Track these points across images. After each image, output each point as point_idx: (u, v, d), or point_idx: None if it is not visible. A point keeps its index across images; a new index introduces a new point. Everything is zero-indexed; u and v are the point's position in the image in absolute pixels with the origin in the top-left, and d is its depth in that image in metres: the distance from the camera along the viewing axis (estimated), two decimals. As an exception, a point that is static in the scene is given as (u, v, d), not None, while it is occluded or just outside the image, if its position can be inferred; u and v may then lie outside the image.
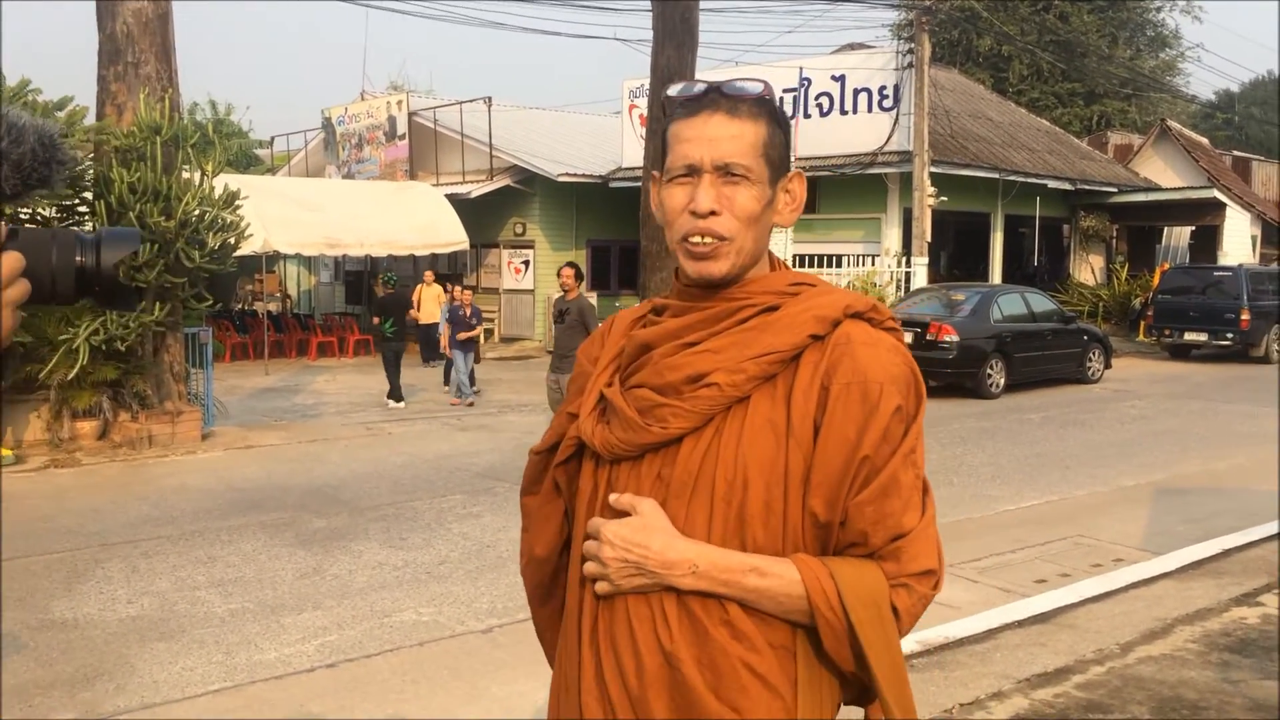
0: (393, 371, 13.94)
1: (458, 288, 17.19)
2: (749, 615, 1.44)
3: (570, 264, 9.94)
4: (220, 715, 4.47)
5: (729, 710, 1.43)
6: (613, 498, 1.49)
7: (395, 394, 13.93)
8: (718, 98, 1.50)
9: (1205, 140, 30.84)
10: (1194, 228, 25.32)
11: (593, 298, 14.47)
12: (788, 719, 1.44)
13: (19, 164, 1.05)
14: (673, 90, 1.55)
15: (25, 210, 10.61)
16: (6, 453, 9.62)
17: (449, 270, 22.60)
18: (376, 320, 14.56)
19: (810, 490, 1.43)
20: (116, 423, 10.67)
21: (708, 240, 1.47)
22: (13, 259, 1.02)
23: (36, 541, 7.16)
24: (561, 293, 9.77)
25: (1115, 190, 24.78)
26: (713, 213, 1.47)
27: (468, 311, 14.30)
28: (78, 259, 1.08)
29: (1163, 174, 26.86)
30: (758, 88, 1.51)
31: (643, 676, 1.45)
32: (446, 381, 15.30)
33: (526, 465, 1.71)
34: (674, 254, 1.53)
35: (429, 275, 18.59)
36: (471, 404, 14.04)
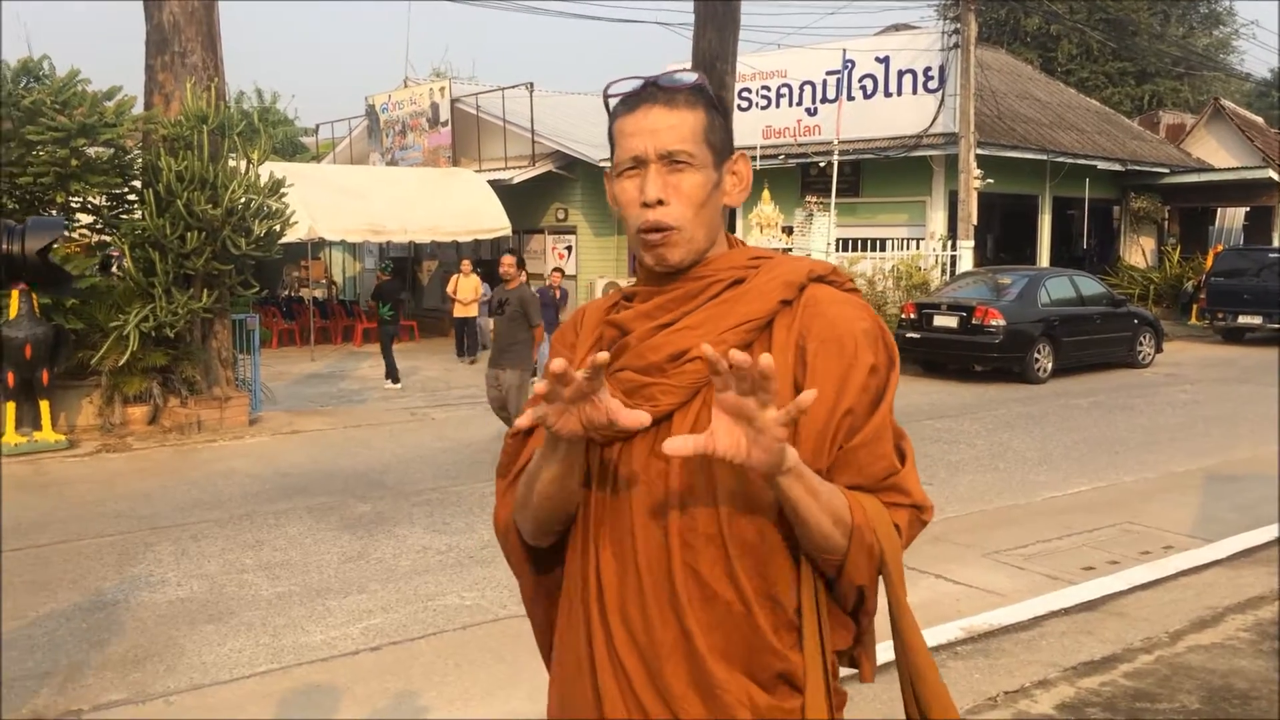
0: (388, 354, 14.62)
1: (555, 272, 16.71)
2: (747, 570, 1.48)
3: (511, 251, 9.57)
4: (267, 696, 4.54)
5: (737, 673, 1.47)
6: (667, 444, 1.40)
7: (392, 376, 14.50)
8: (655, 91, 1.56)
9: (1260, 119, 30.15)
10: (1248, 209, 24.78)
11: (634, 283, 14.44)
12: (784, 670, 1.49)
13: None
14: (611, 88, 1.61)
15: (77, 199, 10.80)
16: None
17: (492, 256, 22.68)
18: (373, 305, 15.41)
19: (798, 442, 1.46)
20: (166, 408, 10.84)
21: (659, 230, 1.53)
22: None
23: (88, 525, 7.30)
24: (502, 282, 9.32)
25: (1167, 171, 24.31)
26: (660, 201, 1.53)
27: (558, 294, 14.33)
28: (3, 247, 1.16)
29: (1216, 154, 26.31)
30: (691, 78, 1.58)
31: (658, 650, 1.49)
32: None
33: (503, 448, 1.72)
34: (633, 244, 1.59)
35: (466, 264, 17.72)
36: None
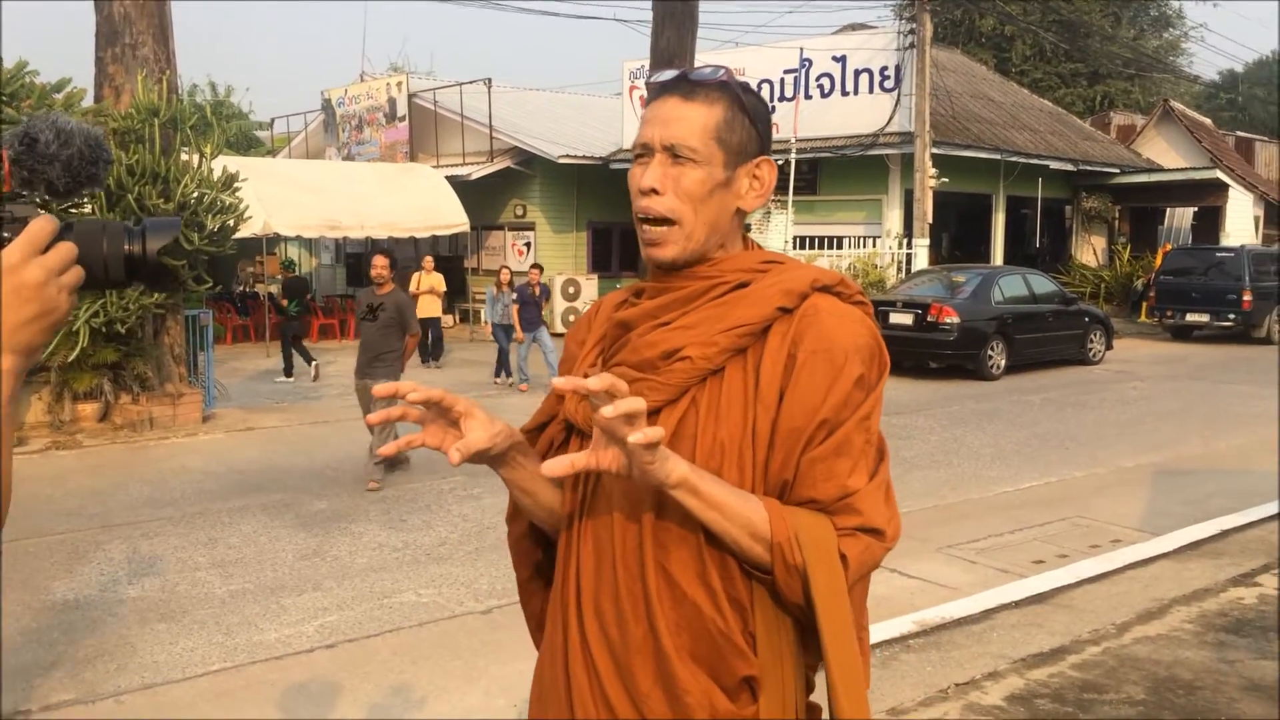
0: (287, 349, 14.92)
1: (534, 269, 15.33)
2: (718, 573, 1.47)
3: (384, 251, 8.78)
4: (220, 695, 4.50)
5: (701, 674, 1.47)
6: (545, 466, 1.42)
7: (287, 370, 14.79)
8: (679, 83, 1.56)
9: (1208, 121, 30.72)
10: (1197, 209, 25.23)
11: (594, 280, 14.31)
12: (749, 675, 1.48)
13: (68, 164, 1.18)
14: (650, 78, 1.63)
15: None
16: None
17: (450, 253, 22.57)
18: (284, 302, 15.51)
19: (772, 450, 1.47)
20: (117, 405, 10.68)
21: (655, 226, 1.53)
22: (67, 248, 1.12)
23: (38, 523, 7.19)
24: (373, 285, 8.56)
25: (1118, 171, 24.71)
26: (654, 190, 1.52)
27: (537, 291, 14.13)
28: (126, 247, 1.19)
29: (1165, 155, 26.76)
30: (719, 74, 1.56)
31: (628, 645, 1.49)
32: (498, 374, 14.52)
33: None
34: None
35: (429, 262, 16.75)
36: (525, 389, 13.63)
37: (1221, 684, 4.48)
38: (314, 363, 14.80)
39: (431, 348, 16.51)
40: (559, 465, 1.37)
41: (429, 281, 16.39)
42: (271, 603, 5.63)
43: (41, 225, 1.12)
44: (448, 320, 15.92)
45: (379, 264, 8.54)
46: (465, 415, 1.45)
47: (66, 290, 1.12)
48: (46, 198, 1.21)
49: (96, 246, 1.18)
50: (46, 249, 1.12)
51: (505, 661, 4.78)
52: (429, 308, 16.06)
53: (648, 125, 1.55)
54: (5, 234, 1.13)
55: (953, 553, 6.52)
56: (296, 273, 16.04)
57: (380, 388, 1.39)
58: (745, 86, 1.59)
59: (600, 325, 1.68)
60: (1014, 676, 4.59)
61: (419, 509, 7.57)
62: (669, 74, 1.58)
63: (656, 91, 1.57)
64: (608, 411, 1.28)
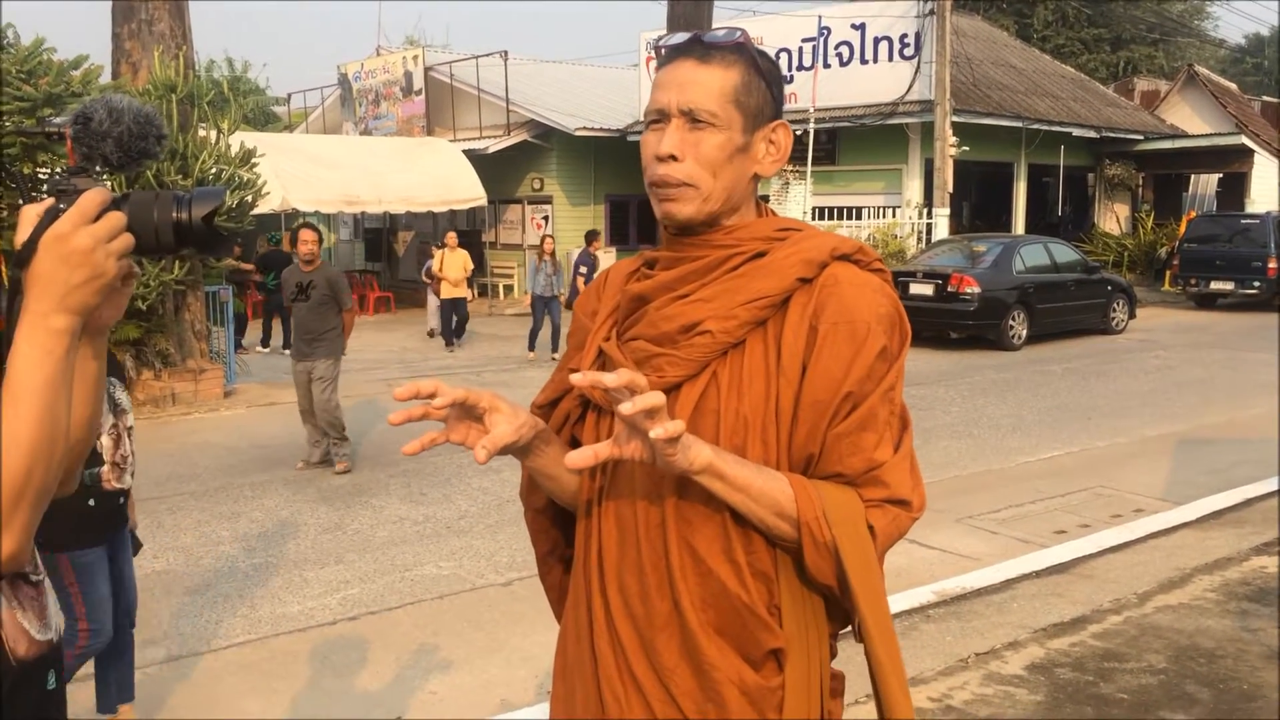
0: (268, 322, 15.50)
1: (595, 240, 14.92)
2: (743, 547, 1.47)
3: (310, 226, 8.32)
4: (245, 667, 4.54)
5: (727, 648, 1.47)
6: (569, 458, 1.40)
7: (265, 341, 15.37)
8: (693, 45, 1.52)
9: (1234, 86, 30.29)
10: (1221, 175, 24.93)
11: (612, 253, 14.19)
12: (776, 648, 1.48)
13: (119, 140, 1.29)
14: (661, 41, 1.57)
15: (44, 170, 10.64)
16: None
17: (468, 227, 22.57)
18: (259, 277, 15.83)
19: (796, 424, 1.46)
20: (139, 381, 10.76)
21: (668, 186, 1.50)
22: (115, 217, 1.24)
23: (63, 498, 7.25)
24: (299, 262, 8.08)
25: (1141, 138, 24.40)
26: (672, 157, 1.49)
27: (600, 260, 14.08)
28: (174, 215, 1.29)
29: (1190, 121, 26.41)
30: (734, 35, 1.52)
31: (653, 621, 1.49)
32: (531, 348, 14.26)
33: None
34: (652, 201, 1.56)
35: (451, 238, 15.54)
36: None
37: (1244, 652, 4.46)
38: (267, 348, 15.23)
39: (456, 328, 15.71)
40: (583, 458, 1.36)
41: (454, 261, 15.30)
42: (294, 576, 5.68)
43: (91, 196, 1.23)
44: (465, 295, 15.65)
45: (308, 239, 8.06)
46: (490, 410, 1.43)
47: (114, 255, 1.23)
48: (104, 171, 1.31)
49: (148, 214, 1.28)
50: (97, 218, 1.23)
51: (526, 633, 4.80)
52: (455, 287, 15.21)
53: (662, 90, 1.51)
54: (61, 205, 1.23)
55: (973, 523, 6.51)
56: (278, 246, 16.14)
57: (401, 390, 1.37)
58: (758, 49, 1.55)
59: (612, 295, 1.65)
60: (1034, 646, 4.58)
61: (439, 483, 7.61)
62: (681, 36, 1.54)
63: (670, 55, 1.52)
64: (627, 408, 1.26)
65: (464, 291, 15.49)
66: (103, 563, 3.64)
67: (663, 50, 1.55)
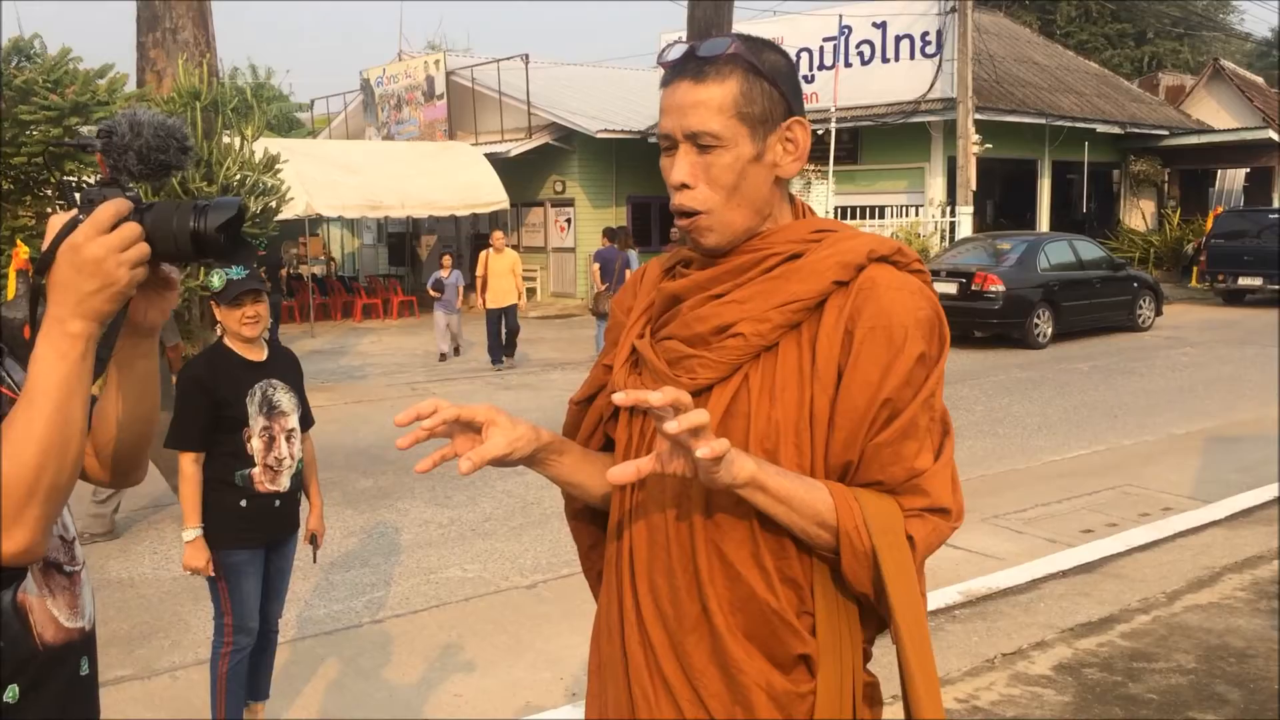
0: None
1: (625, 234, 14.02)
2: (770, 553, 1.46)
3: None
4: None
5: (755, 652, 1.47)
6: (611, 473, 1.41)
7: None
8: (687, 63, 1.49)
9: (1260, 79, 29.96)
10: (1249, 170, 24.68)
11: (634, 254, 14.10)
12: (805, 653, 1.47)
13: (140, 152, 1.34)
14: (661, 58, 1.55)
15: (72, 178, 10.75)
16: None
17: (491, 230, 22.62)
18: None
19: (832, 430, 1.44)
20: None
21: (689, 218, 1.50)
22: (130, 227, 1.29)
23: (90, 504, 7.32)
24: None
25: (1167, 133, 24.19)
26: (685, 185, 1.48)
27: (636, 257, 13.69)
28: (191, 224, 1.32)
29: (1216, 115, 26.17)
30: (725, 45, 1.48)
31: (682, 623, 1.49)
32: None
33: (566, 414, 1.77)
34: None
35: (498, 238, 13.61)
36: None
37: (1274, 652, 4.41)
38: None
39: (506, 343, 13.56)
40: (625, 474, 1.36)
41: (502, 263, 13.31)
42: (320, 579, 5.71)
43: (106, 208, 1.29)
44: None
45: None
46: (487, 424, 1.44)
47: (127, 265, 1.28)
48: (130, 182, 1.36)
49: (168, 224, 1.33)
50: (111, 229, 1.28)
51: (550, 636, 4.81)
52: (503, 294, 13.21)
53: (665, 115, 1.50)
54: (81, 216, 1.29)
55: (999, 523, 6.47)
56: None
57: (401, 417, 1.42)
58: (759, 48, 1.51)
59: (647, 293, 1.65)
60: (1062, 646, 4.55)
61: (463, 485, 7.63)
62: (677, 51, 1.52)
63: (668, 76, 1.51)
64: (672, 427, 1.26)
65: (514, 298, 13.39)
66: (255, 564, 3.66)
67: (665, 68, 1.54)
